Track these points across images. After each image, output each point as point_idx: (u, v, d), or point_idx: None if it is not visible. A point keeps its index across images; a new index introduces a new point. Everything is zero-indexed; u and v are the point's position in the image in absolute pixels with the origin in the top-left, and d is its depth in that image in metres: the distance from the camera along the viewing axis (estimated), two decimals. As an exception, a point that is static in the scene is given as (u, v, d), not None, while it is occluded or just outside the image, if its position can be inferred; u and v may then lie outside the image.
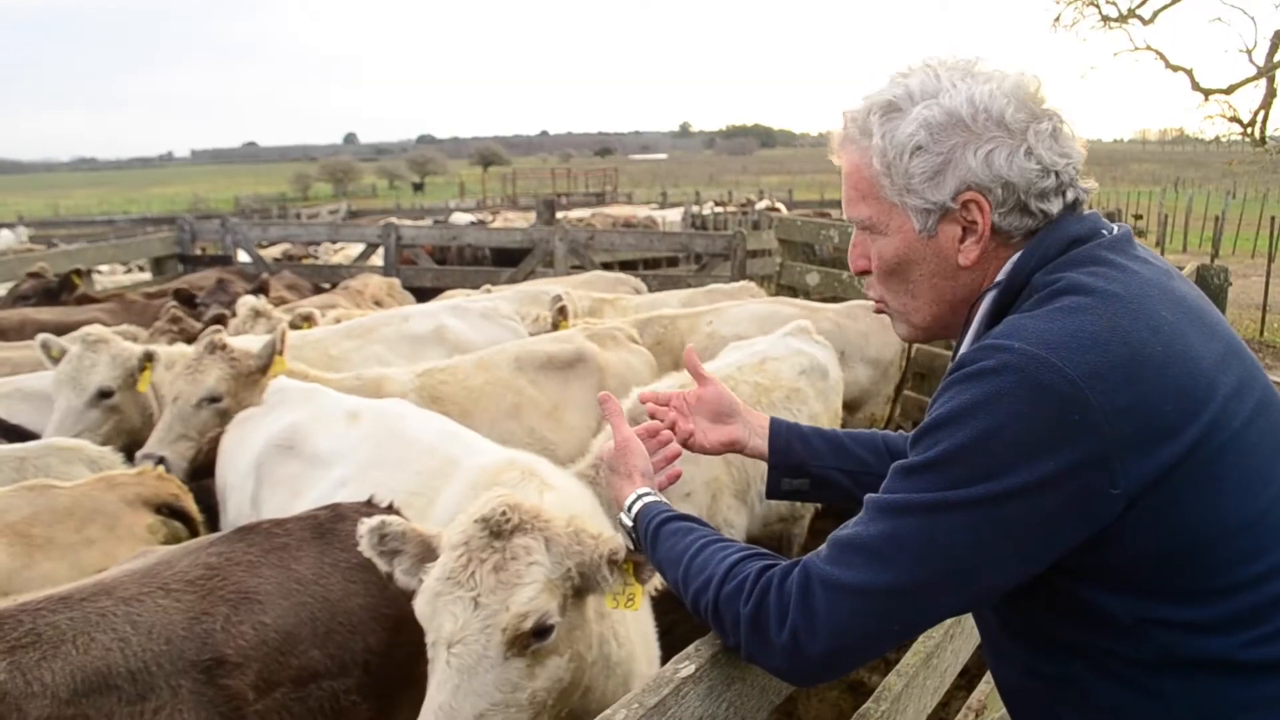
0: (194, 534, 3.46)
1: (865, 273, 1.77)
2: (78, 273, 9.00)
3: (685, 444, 2.19)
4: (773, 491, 2.25)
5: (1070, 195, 1.62)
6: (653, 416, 2.24)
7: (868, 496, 1.59)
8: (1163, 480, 1.39)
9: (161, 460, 4.21)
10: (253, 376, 4.53)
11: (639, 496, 1.98)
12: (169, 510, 3.48)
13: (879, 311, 1.81)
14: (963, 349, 1.63)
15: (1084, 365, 1.38)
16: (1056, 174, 1.59)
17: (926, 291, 1.70)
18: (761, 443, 2.21)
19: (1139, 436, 1.38)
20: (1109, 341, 1.40)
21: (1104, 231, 1.62)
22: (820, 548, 1.60)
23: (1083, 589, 1.51)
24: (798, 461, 2.19)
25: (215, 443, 4.35)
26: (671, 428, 2.19)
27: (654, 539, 1.87)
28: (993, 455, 1.40)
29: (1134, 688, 1.53)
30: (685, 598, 1.77)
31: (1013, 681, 1.78)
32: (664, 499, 2.00)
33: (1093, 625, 1.54)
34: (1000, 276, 1.62)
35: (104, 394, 4.85)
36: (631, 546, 2.03)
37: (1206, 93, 20.97)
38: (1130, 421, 1.37)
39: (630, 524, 1.96)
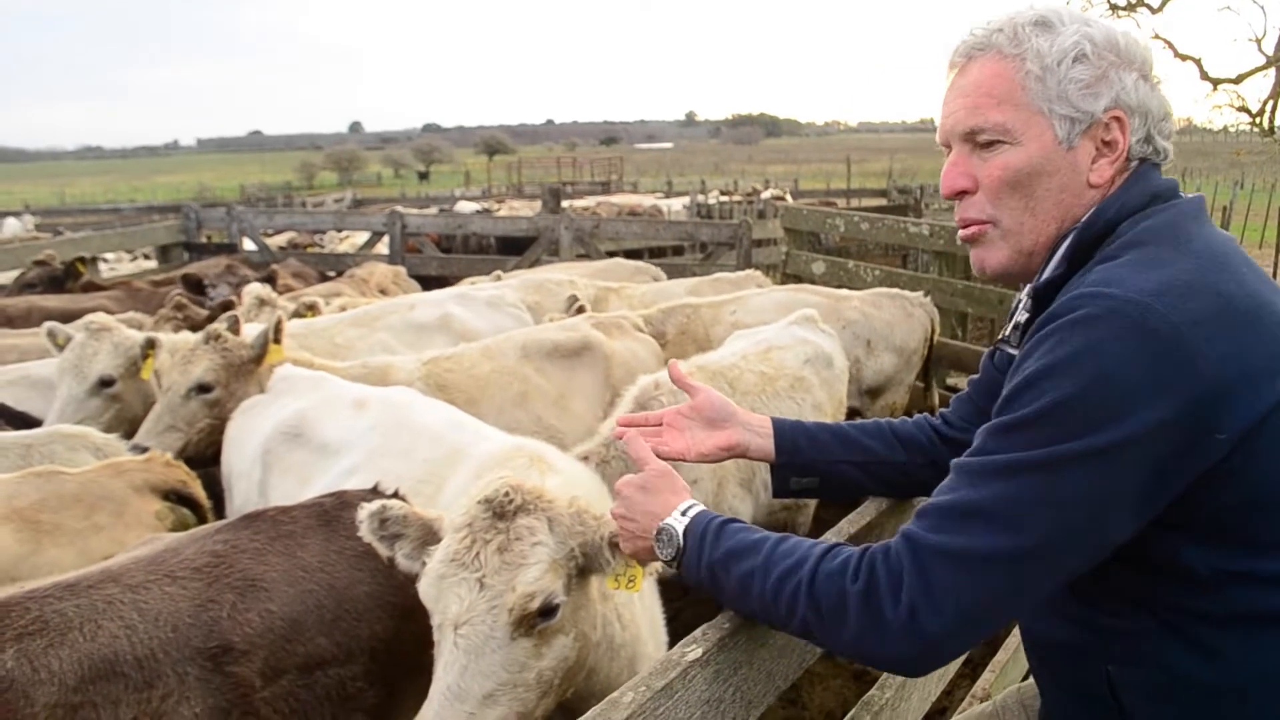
0: (201, 520, 3.46)
1: (961, 194, 1.75)
2: (82, 261, 9.01)
3: (681, 458, 2.16)
4: (780, 491, 2.25)
5: (1171, 145, 1.72)
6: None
7: (961, 461, 1.56)
8: (1260, 425, 1.41)
9: (145, 451, 4.16)
10: (246, 366, 4.48)
11: (692, 504, 1.89)
12: (176, 496, 3.48)
13: (970, 239, 1.77)
14: (1041, 282, 1.67)
15: (1185, 312, 1.40)
16: (1170, 120, 1.70)
17: (1050, 208, 1.68)
18: (765, 443, 2.19)
19: (1239, 381, 1.40)
20: (1202, 291, 1.43)
21: (1180, 194, 1.68)
22: (911, 523, 1.56)
23: (1165, 541, 1.50)
24: (806, 459, 2.18)
25: (207, 433, 4.36)
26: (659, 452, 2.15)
27: (718, 534, 1.77)
28: (1105, 403, 1.39)
29: (1195, 644, 1.53)
30: (763, 583, 1.65)
31: (1056, 635, 1.77)
32: None
33: (1166, 578, 1.54)
34: (1086, 217, 1.66)
35: (105, 382, 4.84)
36: (672, 552, 1.83)
37: (1215, 82, 20.85)
38: (1231, 367, 1.39)
39: (682, 526, 1.82)
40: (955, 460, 1.57)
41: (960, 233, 1.79)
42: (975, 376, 2.26)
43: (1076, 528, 1.43)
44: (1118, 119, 1.65)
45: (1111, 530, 1.46)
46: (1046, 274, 1.67)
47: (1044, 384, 1.44)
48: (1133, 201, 1.64)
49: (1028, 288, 1.87)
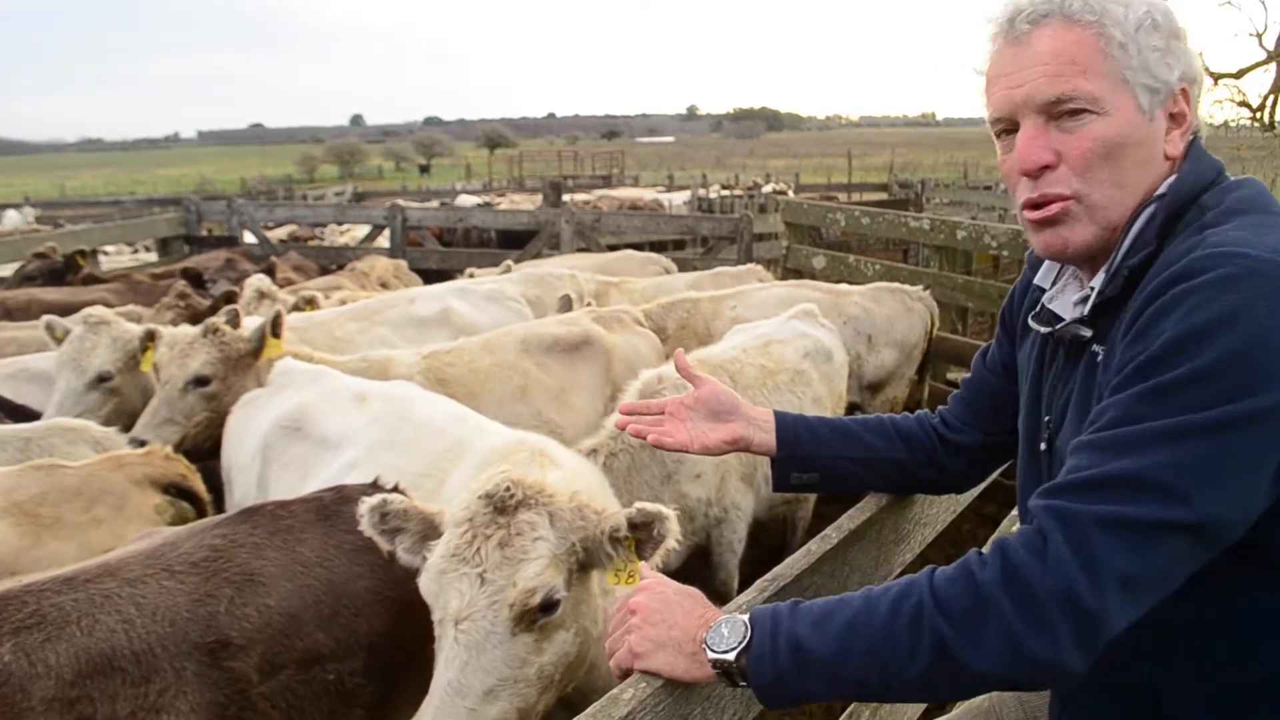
0: (202, 514, 3.46)
1: (1042, 170, 1.61)
2: (82, 254, 9.00)
3: (684, 450, 2.13)
4: (780, 485, 2.23)
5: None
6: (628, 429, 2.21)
7: (1099, 436, 1.42)
8: None
9: (144, 444, 4.10)
10: (244, 360, 4.49)
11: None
12: (177, 490, 3.48)
13: (1050, 218, 1.63)
14: (1139, 258, 1.56)
15: None
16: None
17: (1135, 180, 1.60)
18: (767, 437, 2.16)
19: None
20: None
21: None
22: (1047, 500, 1.42)
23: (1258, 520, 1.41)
24: (807, 454, 2.16)
25: (205, 426, 4.35)
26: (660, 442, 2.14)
27: (793, 609, 1.53)
28: (1264, 362, 1.32)
29: (1257, 639, 1.48)
30: (871, 622, 1.44)
31: None
32: None
33: (1241, 563, 1.45)
34: (1161, 190, 1.60)
35: (103, 377, 4.84)
36: (735, 640, 1.53)
37: (1216, 77, 20.76)
38: None
39: (746, 615, 1.56)
40: (1086, 437, 1.45)
41: (1035, 213, 1.65)
42: (967, 376, 2.23)
43: (1241, 497, 1.35)
44: (1184, 91, 1.61)
45: (1259, 501, 1.37)
46: (1135, 249, 1.58)
47: (1196, 345, 1.35)
48: (1205, 175, 1.60)
49: (1062, 274, 1.82)
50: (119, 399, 4.90)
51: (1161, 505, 1.33)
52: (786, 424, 2.18)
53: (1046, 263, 1.87)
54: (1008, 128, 1.67)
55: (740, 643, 1.51)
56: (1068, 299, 1.77)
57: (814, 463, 2.18)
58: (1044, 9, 1.60)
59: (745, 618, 1.54)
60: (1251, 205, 1.52)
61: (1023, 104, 1.61)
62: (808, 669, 1.46)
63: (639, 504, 2.20)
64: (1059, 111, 1.59)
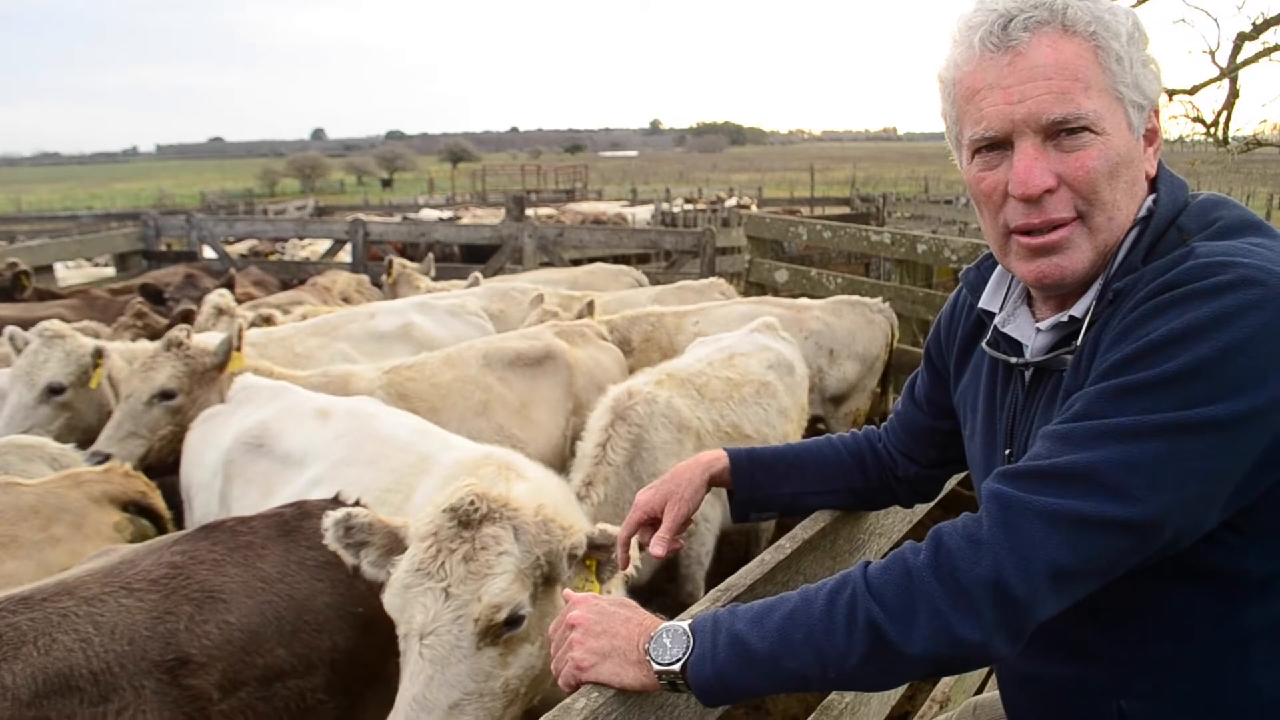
0: (162, 531, 3.42)
1: (1045, 194, 1.49)
2: (26, 274, 8.85)
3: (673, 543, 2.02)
4: (739, 520, 2.23)
5: None
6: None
7: (1060, 428, 1.42)
8: None
9: (107, 458, 4.07)
10: (209, 374, 4.47)
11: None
12: (136, 508, 3.44)
13: (1053, 244, 1.53)
14: (1128, 279, 1.48)
15: None
16: None
17: (1128, 203, 1.53)
18: (721, 474, 2.12)
19: None
20: None
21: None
22: (995, 483, 1.43)
23: (1223, 540, 1.41)
24: (765, 494, 2.15)
25: (169, 440, 4.32)
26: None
27: (732, 611, 1.54)
28: (1239, 371, 1.30)
29: (1223, 665, 1.47)
30: (809, 615, 1.45)
31: (1056, 674, 1.65)
32: None
33: (1212, 588, 1.46)
34: (1143, 213, 1.55)
35: (54, 390, 4.77)
36: (678, 651, 1.52)
37: (1170, 93, 21.06)
38: None
39: (687, 623, 1.55)
40: (1049, 428, 1.44)
41: (1033, 240, 1.54)
42: (898, 407, 2.22)
43: (1193, 502, 1.34)
44: (1155, 107, 1.54)
45: (1213, 511, 1.36)
46: (1122, 273, 1.52)
47: (1171, 349, 1.33)
48: (1180, 196, 1.55)
49: (1009, 296, 1.76)
50: (71, 414, 4.83)
51: (1106, 501, 1.32)
52: (740, 465, 2.13)
53: (991, 284, 1.80)
54: (994, 144, 1.54)
55: (684, 653, 1.50)
56: (1024, 324, 1.71)
57: (772, 502, 2.18)
58: (1041, 15, 1.48)
59: (686, 625, 1.53)
60: (1244, 224, 1.49)
61: (1023, 122, 1.49)
62: (748, 663, 1.46)
63: (601, 525, 2.22)
64: (1059, 130, 1.48)
